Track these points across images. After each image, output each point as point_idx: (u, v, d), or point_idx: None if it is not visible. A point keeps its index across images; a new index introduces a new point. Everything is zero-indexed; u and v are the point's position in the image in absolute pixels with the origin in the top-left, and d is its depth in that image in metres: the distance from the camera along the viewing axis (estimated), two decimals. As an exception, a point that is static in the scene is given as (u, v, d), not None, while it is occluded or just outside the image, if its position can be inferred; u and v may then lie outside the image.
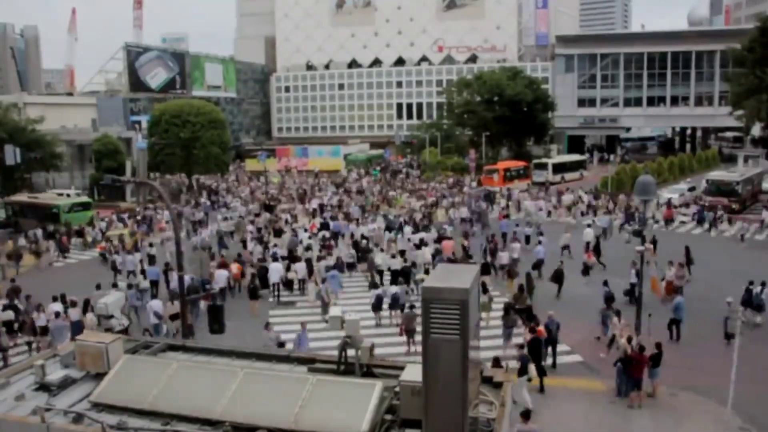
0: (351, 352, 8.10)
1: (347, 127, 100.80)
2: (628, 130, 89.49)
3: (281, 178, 65.32)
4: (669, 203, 41.27)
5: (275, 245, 30.20)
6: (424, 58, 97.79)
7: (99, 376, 7.95)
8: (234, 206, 46.64)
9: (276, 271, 25.27)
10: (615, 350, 17.20)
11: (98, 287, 23.20)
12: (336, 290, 23.80)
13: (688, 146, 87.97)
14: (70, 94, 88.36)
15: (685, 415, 15.04)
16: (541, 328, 17.59)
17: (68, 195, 48.17)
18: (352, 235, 32.80)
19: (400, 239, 30.62)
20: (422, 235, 31.26)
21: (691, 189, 46.89)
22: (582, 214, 41.38)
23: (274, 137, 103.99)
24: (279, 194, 53.39)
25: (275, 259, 27.26)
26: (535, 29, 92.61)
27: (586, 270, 26.18)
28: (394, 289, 22.08)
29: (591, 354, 18.93)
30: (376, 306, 21.73)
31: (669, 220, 38.85)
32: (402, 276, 24.27)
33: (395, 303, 21.34)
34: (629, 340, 16.29)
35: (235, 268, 26.19)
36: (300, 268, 25.95)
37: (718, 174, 47.98)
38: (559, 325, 18.45)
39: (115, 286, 24.05)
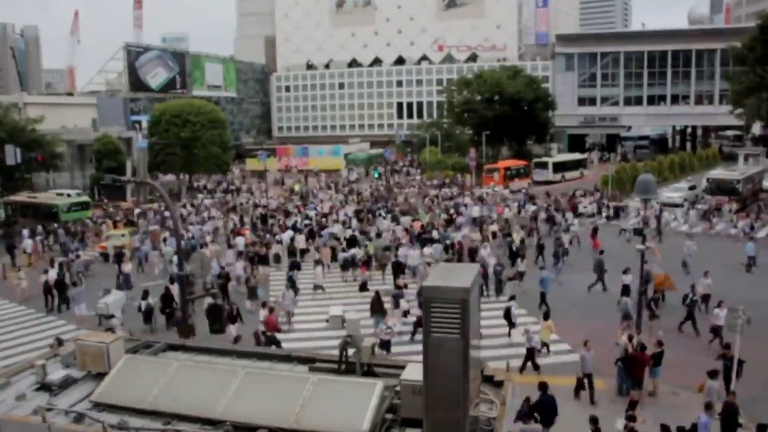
0: (352, 352, 8.11)
1: (347, 126, 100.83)
2: (629, 128, 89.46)
3: (301, 185, 60.14)
4: (573, 195, 44.50)
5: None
6: (424, 58, 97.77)
7: (100, 376, 7.95)
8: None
9: (287, 236, 32.53)
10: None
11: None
12: (327, 242, 31.49)
13: (688, 145, 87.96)
14: (70, 94, 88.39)
15: (686, 414, 15.02)
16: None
17: (68, 195, 48.19)
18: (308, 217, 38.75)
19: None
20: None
21: (692, 188, 46.85)
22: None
23: (275, 137, 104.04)
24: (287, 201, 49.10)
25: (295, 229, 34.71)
26: (535, 28, 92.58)
27: None
28: (353, 251, 28.84)
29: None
30: (344, 266, 28.03)
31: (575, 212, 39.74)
32: (352, 242, 30.47)
33: (354, 260, 28.28)
34: (630, 338, 16.29)
35: (247, 234, 33.91)
36: (300, 239, 32.23)
37: (719, 173, 47.95)
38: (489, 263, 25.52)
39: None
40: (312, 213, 40.91)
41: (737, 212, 39.10)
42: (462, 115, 70.82)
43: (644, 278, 19.39)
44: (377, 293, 21.38)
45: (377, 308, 20.70)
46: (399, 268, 25.80)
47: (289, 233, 33.02)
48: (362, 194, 51.31)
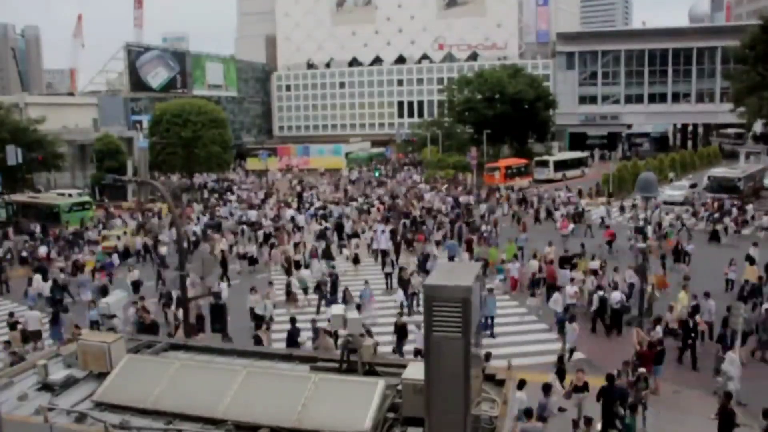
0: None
1: (348, 125, 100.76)
2: (629, 127, 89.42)
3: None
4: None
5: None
6: (424, 56, 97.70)
7: (102, 376, 7.95)
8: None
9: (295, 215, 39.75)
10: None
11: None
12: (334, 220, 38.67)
13: (689, 143, 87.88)
14: (71, 94, 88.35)
15: (687, 412, 15.04)
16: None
17: (69, 195, 48.22)
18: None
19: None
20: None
21: (693, 186, 46.80)
22: None
23: (275, 136, 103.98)
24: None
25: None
26: (536, 26, 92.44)
27: None
28: (326, 224, 36.83)
29: (594, 351, 18.94)
30: (319, 237, 34.68)
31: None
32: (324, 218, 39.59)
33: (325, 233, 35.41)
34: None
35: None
36: (301, 219, 38.32)
37: (720, 171, 47.92)
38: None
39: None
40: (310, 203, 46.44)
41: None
42: (463, 114, 70.75)
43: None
44: (327, 245, 30.34)
45: (327, 254, 29.31)
46: (341, 230, 35.28)
47: (291, 212, 39.33)
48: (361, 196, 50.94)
